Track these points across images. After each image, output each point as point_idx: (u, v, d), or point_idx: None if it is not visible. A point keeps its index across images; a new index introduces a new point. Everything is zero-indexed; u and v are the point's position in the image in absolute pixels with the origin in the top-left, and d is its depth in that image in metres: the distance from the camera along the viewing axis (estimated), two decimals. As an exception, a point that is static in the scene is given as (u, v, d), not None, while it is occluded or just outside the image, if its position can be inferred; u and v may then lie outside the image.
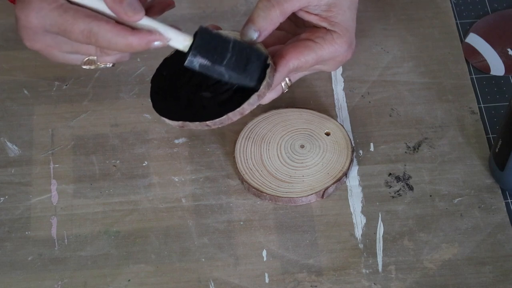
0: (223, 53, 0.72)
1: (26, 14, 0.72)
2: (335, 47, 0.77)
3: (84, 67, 0.77)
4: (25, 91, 0.89)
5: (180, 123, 0.74)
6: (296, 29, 0.80)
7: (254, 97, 0.73)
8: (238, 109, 0.73)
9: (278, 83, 0.76)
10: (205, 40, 0.72)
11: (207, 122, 0.73)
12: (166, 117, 0.75)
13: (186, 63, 0.72)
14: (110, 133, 0.86)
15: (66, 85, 0.89)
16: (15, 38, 0.92)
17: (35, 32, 0.73)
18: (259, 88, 0.73)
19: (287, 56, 0.75)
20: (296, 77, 0.81)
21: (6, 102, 0.88)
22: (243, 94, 0.74)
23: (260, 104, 0.75)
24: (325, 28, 0.77)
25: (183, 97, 0.76)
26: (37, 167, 0.83)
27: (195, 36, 0.72)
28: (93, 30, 0.71)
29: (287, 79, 0.79)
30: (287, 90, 0.80)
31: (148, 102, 0.88)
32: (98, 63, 0.77)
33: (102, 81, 0.89)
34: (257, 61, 0.73)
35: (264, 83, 0.73)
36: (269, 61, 0.74)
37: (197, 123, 0.74)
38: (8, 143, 0.85)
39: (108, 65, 0.77)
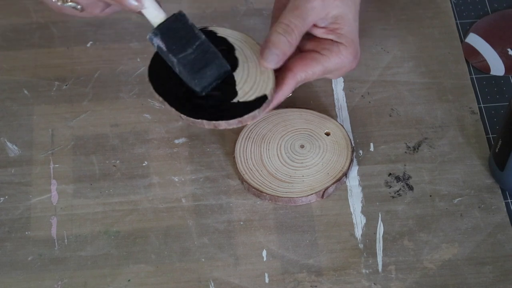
0: (184, 47, 0.72)
1: None
2: (341, 58, 0.78)
3: (61, 4, 0.79)
4: (25, 91, 0.89)
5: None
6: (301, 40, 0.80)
7: (234, 121, 0.74)
8: (214, 122, 0.73)
9: (287, 95, 0.77)
10: (175, 26, 0.72)
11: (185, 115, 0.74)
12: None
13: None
14: (110, 133, 0.86)
15: (66, 85, 0.89)
16: (15, 38, 0.92)
17: None
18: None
19: (295, 69, 0.76)
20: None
21: (6, 102, 0.88)
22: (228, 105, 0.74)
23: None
24: (331, 39, 0.78)
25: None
26: (37, 167, 0.83)
27: (169, 18, 0.72)
28: None
29: None
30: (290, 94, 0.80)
31: (148, 102, 0.88)
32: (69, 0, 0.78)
33: (102, 81, 0.89)
34: (215, 70, 0.73)
35: (251, 114, 0.73)
36: (268, 93, 0.74)
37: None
38: (8, 143, 0.85)
39: (77, 7, 0.78)
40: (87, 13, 0.79)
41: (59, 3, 0.78)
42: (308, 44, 0.78)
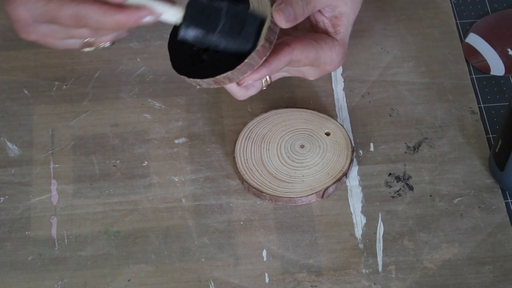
0: (216, 22, 0.71)
1: (13, 9, 0.73)
2: (333, 54, 0.78)
3: (84, 50, 0.78)
4: (25, 91, 0.89)
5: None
6: (296, 31, 0.80)
7: (252, 55, 0.72)
8: (237, 66, 0.72)
9: (278, 67, 0.75)
10: (197, 10, 0.71)
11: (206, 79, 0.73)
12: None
13: (179, 36, 0.72)
14: (110, 133, 0.86)
15: (66, 85, 0.89)
16: (15, 38, 0.92)
17: (27, 24, 0.74)
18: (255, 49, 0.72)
19: (293, 45, 0.75)
20: (276, 76, 0.81)
21: (6, 102, 0.88)
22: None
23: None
24: (327, 33, 0.78)
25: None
26: (37, 167, 0.83)
27: (187, 7, 0.72)
28: (80, 13, 0.71)
29: (267, 77, 0.79)
30: (265, 88, 0.80)
31: (148, 102, 0.88)
32: (97, 44, 0.77)
33: (102, 81, 0.89)
34: (253, 24, 0.72)
35: (262, 41, 0.72)
36: (268, 20, 0.72)
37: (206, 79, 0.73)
38: (8, 143, 0.85)
39: (106, 45, 0.77)
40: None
41: (91, 50, 0.77)
42: (305, 33, 0.79)
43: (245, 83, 0.74)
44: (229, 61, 0.72)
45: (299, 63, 0.76)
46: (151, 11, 0.72)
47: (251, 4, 0.74)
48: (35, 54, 0.91)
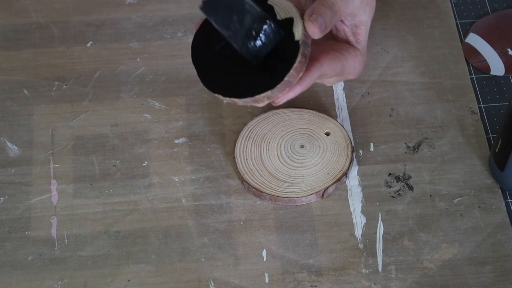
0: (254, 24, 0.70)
1: None
2: (356, 63, 0.78)
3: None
4: (25, 91, 0.89)
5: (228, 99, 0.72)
6: (317, 40, 0.80)
7: (291, 73, 0.70)
8: (277, 85, 0.70)
9: (310, 84, 0.75)
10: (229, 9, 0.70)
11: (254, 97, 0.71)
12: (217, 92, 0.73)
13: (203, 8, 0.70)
14: (110, 133, 0.86)
15: (66, 85, 0.89)
16: (15, 38, 0.92)
17: None
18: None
19: (321, 60, 0.75)
20: None
21: (6, 102, 0.88)
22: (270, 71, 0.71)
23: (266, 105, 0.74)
24: (348, 42, 0.79)
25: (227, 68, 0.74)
26: (37, 167, 0.83)
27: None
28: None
29: None
30: None
31: (148, 102, 0.88)
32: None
33: (102, 81, 0.89)
34: (287, 39, 0.71)
35: (299, 57, 0.70)
36: (301, 33, 0.71)
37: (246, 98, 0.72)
38: (8, 143, 0.85)
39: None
40: None
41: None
42: (327, 44, 0.78)
43: (280, 102, 0.73)
44: (264, 76, 0.71)
45: (326, 76, 0.77)
46: None
47: (277, 14, 0.73)
48: (35, 54, 0.91)
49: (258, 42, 0.71)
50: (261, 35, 0.70)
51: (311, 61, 0.74)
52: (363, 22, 0.78)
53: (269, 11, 0.73)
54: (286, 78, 0.70)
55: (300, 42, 0.71)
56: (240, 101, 0.72)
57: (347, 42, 0.79)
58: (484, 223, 0.80)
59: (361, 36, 0.79)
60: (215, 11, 0.70)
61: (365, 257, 0.78)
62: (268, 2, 0.74)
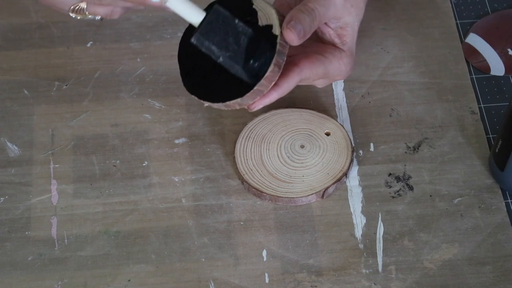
0: (233, 37, 0.70)
1: None
2: (341, 65, 0.78)
3: (71, 14, 0.75)
4: (25, 91, 0.89)
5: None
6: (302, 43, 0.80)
7: (261, 82, 0.71)
8: (247, 94, 0.71)
9: (288, 89, 0.75)
10: (217, 19, 0.70)
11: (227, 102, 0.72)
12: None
13: (193, 40, 0.69)
14: (110, 133, 0.86)
15: (66, 85, 0.89)
16: (15, 38, 0.92)
17: None
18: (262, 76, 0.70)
19: (301, 65, 0.75)
20: None
21: (6, 102, 0.88)
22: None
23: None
24: (334, 45, 0.78)
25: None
26: (37, 167, 0.83)
27: (209, 13, 0.69)
28: None
29: None
30: None
31: (148, 102, 0.88)
32: (87, 12, 0.74)
33: (102, 81, 0.89)
34: (265, 46, 0.71)
35: (271, 67, 0.70)
36: (277, 42, 0.71)
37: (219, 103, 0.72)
38: (8, 143, 0.85)
39: (96, 18, 0.75)
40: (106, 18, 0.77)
41: (78, 17, 0.75)
42: (312, 46, 0.78)
43: (255, 108, 0.74)
44: (240, 82, 0.71)
45: (308, 80, 0.77)
46: None
47: (259, 20, 0.73)
48: (35, 54, 0.91)
49: (258, 63, 0.71)
50: (259, 54, 0.71)
51: (291, 66, 0.74)
52: (349, 23, 0.78)
53: (253, 15, 0.73)
54: (256, 87, 0.71)
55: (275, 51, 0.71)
56: (214, 105, 0.73)
57: (333, 44, 0.79)
58: (484, 223, 0.80)
59: (347, 38, 0.78)
60: (213, 36, 0.70)
61: (365, 257, 0.78)
62: (253, 6, 0.74)
